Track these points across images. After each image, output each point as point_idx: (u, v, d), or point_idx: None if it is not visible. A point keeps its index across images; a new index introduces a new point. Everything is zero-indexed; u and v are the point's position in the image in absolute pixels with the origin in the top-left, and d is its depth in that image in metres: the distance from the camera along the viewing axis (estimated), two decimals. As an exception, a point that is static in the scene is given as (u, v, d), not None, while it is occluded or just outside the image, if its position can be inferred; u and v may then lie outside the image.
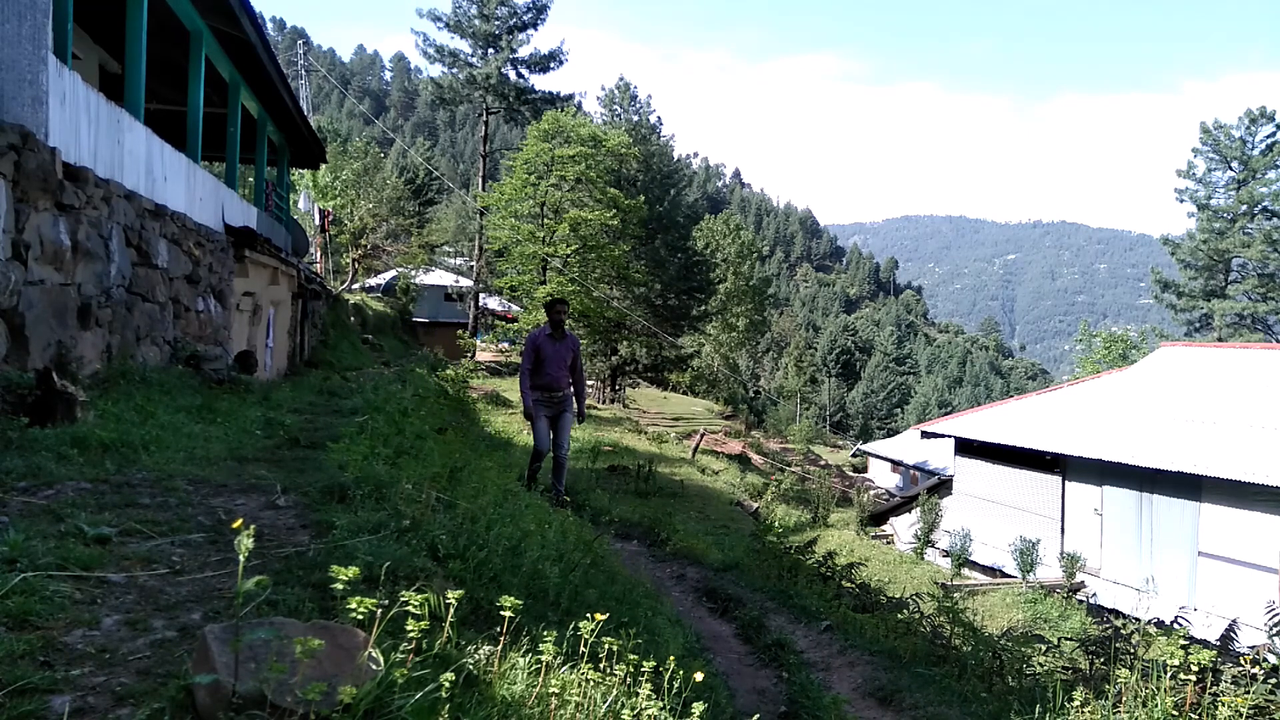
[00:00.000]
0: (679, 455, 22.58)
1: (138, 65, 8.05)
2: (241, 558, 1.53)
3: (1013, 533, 16.64)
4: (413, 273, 38.14)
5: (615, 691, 2.12)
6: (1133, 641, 5.16)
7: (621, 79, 43.47)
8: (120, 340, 6.84)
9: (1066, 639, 6.03)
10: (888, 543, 20.89)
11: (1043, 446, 16.53)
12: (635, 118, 42.49)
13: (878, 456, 35.48)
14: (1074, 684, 3.95)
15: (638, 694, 2.14)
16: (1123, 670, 3.06)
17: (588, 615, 2.27)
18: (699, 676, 2.42)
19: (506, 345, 34.30)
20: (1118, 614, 12.29)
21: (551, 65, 38.43)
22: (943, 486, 20.80)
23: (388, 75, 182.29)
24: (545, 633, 2.15)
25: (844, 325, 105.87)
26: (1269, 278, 41.49)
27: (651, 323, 35.88)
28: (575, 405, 8.23)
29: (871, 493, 27.35)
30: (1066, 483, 16.63)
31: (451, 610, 2.04)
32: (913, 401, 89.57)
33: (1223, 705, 2.86)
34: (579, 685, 2.08)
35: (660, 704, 2.17)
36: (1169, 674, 2.94)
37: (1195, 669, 2.91)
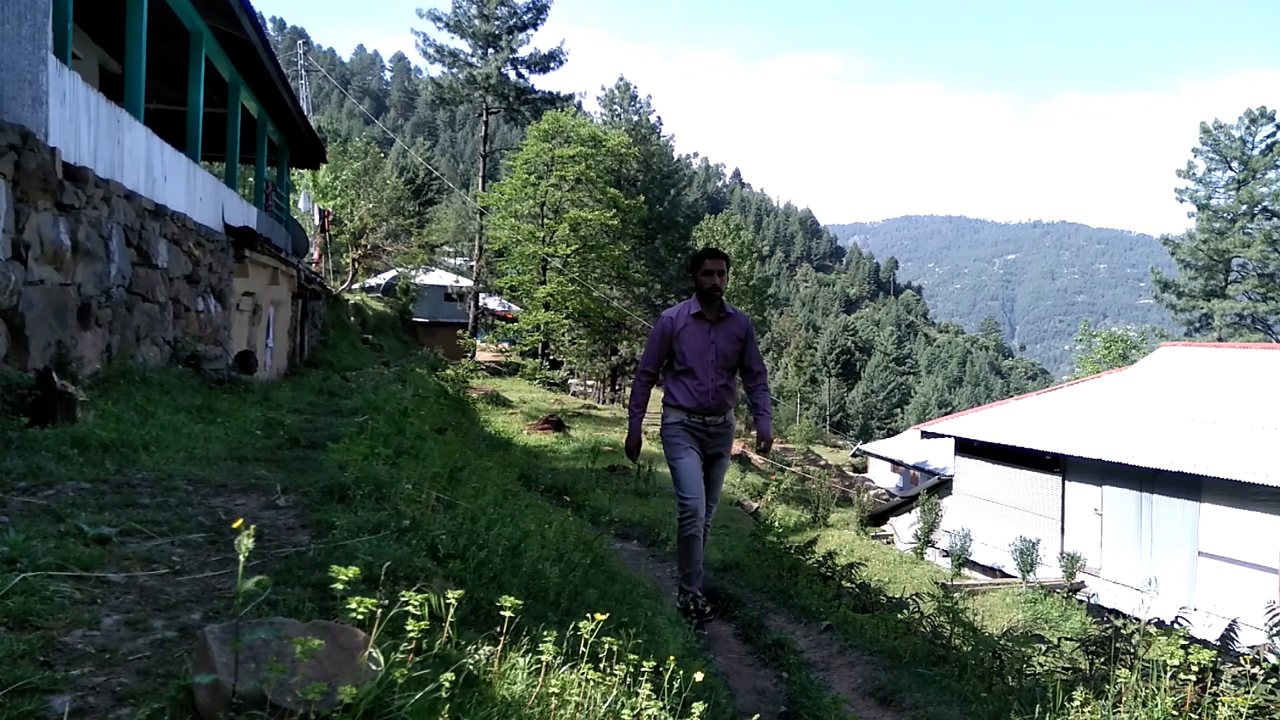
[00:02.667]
0: (679, 455, 22.51)
1: (138, 65, 8.05)
2: (241, 558, 1.53)
3: (1013, 533, 16.64)
4: (413, 273, 38.15)
5: (615, 691, 2.12)
6: (1133, 641, 5.16)
7: (621, 79, 43.56)
8: (120, 340, 6.84)
9: (1066, 639, 6.03)
10: (888, 543, 20.89)
11: (1043, 446, 16.53)
12: (635, 118, 42.55)
13: (878, 456, 35.47)
14: (1074, 684, 3.95)
15: (638, 694, 2.14)
16: (1123, 670, 3.06)
17: (588, 615, 2.27)
18: (699, 676, 2.42)
19: (506, 345, 34.34)
20: (1118, 614, 12.29)
21: (551, 65, 38.47)
22: (943, 486, 20.80)
23: (388, 75, 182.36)
24: (545, 633, 2.15)
25: (844, 325, 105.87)
26: (1269, 278, 41.51)
27: (651, 323, 35.87)
28: (760, 424, 4.99)
29: (871, 493, 27.35)
30: (1066, 483, 16.63)
31: (451, 610, 2.04)
32: (913, 401, 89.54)
33: (1223, 705, 2.86)
34: (579, 685, 2.08)
35: (660, 704, 2.17)
36: (1169, 674, 2.94)
37: (1195, 669, 2.92)
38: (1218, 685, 3.38)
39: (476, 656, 2.14)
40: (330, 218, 29.82)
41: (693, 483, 4.79)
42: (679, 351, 4.75)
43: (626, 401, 35.69)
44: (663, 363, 4.88)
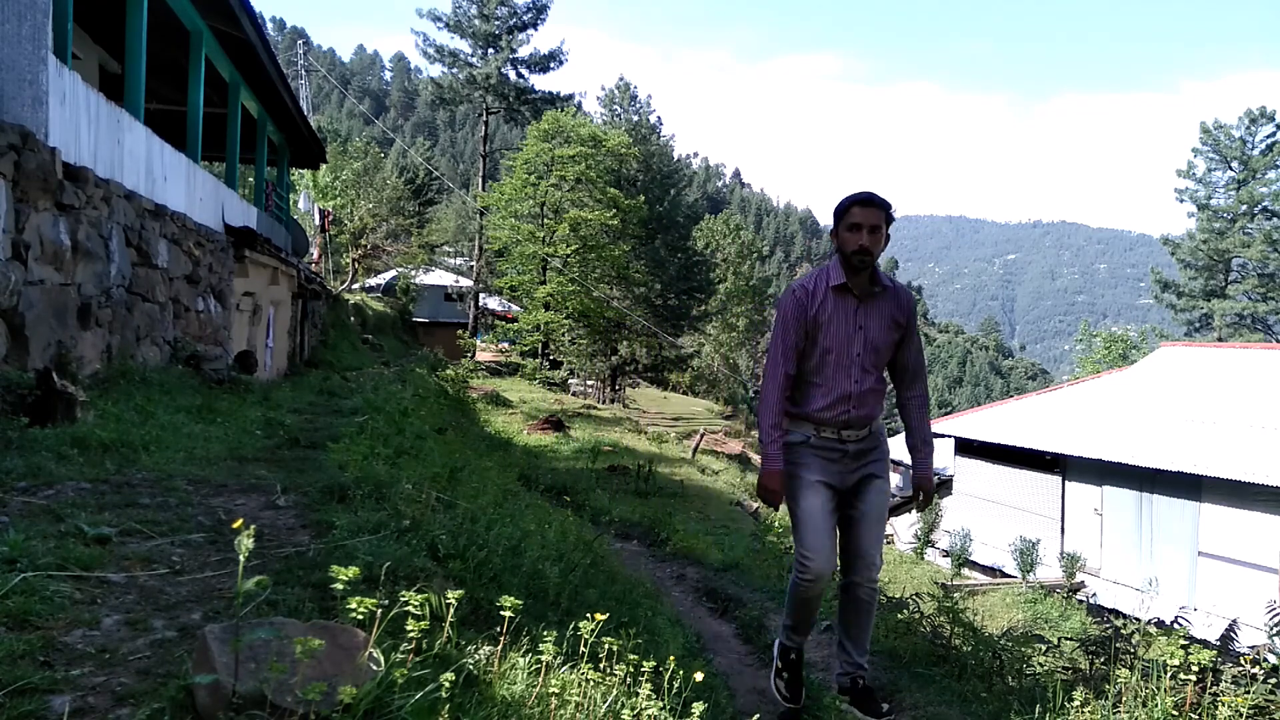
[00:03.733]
0: (679, 455, 22.57)
1: (138, 65, 8.06)
2: (241, 558, 1.53)
3: (1013, 533, 16.64)
4: (413, 273, 38.17)
5: (615, 691, 2.12)
6: (1133, 641, 5.15)
7: (621, 79, 43.53)
8: (120, 340, 6.84)
9: (1066, 639, 6.03)
10: (888, 543, 20.90)
11: (1043, 446, 16.53)
12: (635, 118, 42.53)
13: (878, 456, 35.40)
14: (1074, 684, 3.95)
15: (638, 694, 2.14)
16: (1123, 670, 3.06)
17: (588, 615, 2.27)
18: (699, 676, 2.42)
19: (506, 345, 34.35)
20: (1118, 614, 12.29)
21: (551, 65, 38.47)
22: (943, 486, 20.80)
23: (388, 75, 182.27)
24: (545, 633, 2.15)
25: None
26: (1269, 278, 41.50)
27: (651, 323, 35.88)
28: (918, 463, 3.51)
29: (871, 493, 27.29)
30: (1066, 483, 16.63)
31: (451, 610, 2.04)
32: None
33: (1223, 705, 2.86)
34: (579, 685, 2.09)
35: (660, 704, 2.17)
36: (1169, 674, 2.94)
37: (1195, 669, 2.92)
38: (1218, 685, 3.38)
39: (476, 656, 2.14)
40: (330, 218, 29.82)
41: (818, 534, 3.28)
42: (814, 339, 3.35)
43: (626, 400, 35.72)
44: (794, 354, 3.35)
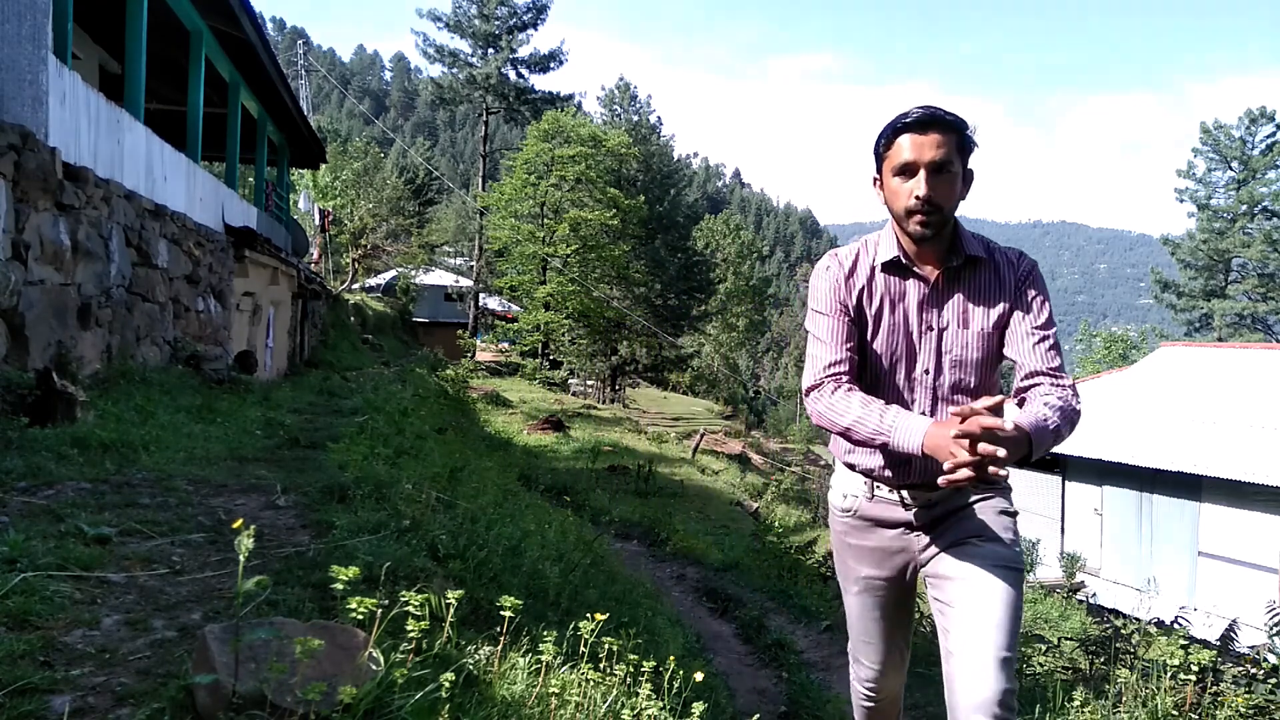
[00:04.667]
0: (679, 455, 22.57)
1: (138, 65, 8.06)
2: (241, 558, 1.53)
3: (1013, 533, 16.64)
4: (413, 273, 38.15)
5: (615, 691, 2.12)
6: (1133, 641, 5.16)
7: (621, 79, 43.55)
8: (120, 340, 6.84)
9: (1066, 639, 6.03)
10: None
11: (1043, 446, 16.51)
12: (635, 118, 42.55)
13: (878, 456, 35.31)
14: (1074, 684, 3.95)
15: (638, 694, 2.14)
16: (1123, 670, 3.06)
17: (588, 615, 2.27)
18: (699, 676, 2.42)
19: (506, 345, 34.37)
20: (1118, 614, 12.29)
21: (551, 65, 38.49)
22: (943, 486, 20.78)
23: (388, 75, 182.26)
24: (545, 633, 2.15)
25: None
26: (1269, 278, 41.51)
27: (651, 323, 35.88)
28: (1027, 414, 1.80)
29: (871, 493, 27.23)
30: (1066, 483, 16.64)
31: (451, 610, 2.04)
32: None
33: (1223, 705, 2.86)
34: (579, 685, 2.09)
35: (660, 704, 2.17)
36: (1169, 674, 2.94)
37: (1195, 669, 2.92)
38: (1218, 685, 3.39)
39: (476, 656, 2.14)
40: (330, 218, 29.80)
41: (869, 640, 2.31)
42: (858, 337, 2.14)
43: (626, 400, 35.64)
44: (846, 357, 2.09)
